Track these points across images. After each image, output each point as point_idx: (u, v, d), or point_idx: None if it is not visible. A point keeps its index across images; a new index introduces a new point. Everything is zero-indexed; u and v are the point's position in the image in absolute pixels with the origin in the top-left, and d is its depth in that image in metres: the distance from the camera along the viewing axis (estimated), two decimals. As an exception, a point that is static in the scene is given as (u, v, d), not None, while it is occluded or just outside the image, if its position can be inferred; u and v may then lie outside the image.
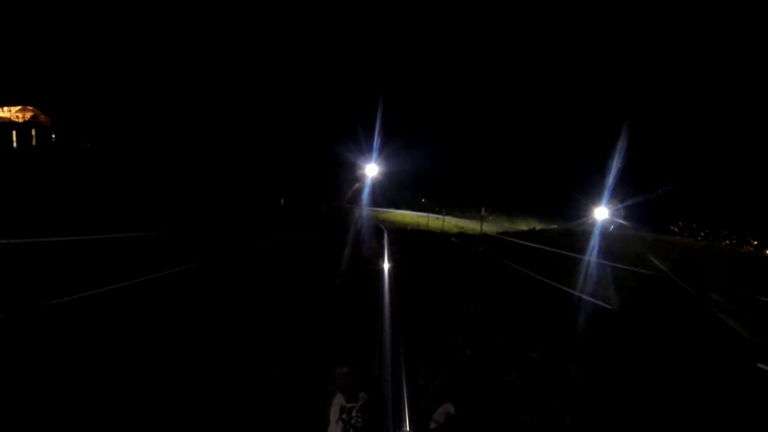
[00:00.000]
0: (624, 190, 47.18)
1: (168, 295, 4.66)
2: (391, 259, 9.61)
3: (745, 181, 57.16)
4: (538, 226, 57.69)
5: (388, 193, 49.25)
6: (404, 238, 19.08)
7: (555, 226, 55.75)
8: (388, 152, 50.90)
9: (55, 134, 33.69)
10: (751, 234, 61.15)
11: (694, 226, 66.44)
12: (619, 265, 10.54)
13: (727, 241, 62.66)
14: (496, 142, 65.26)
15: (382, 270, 7.54)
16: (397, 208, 48.01)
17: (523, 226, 57.25)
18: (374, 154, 48.57)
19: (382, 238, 15.42)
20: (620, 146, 41.27)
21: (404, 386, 2.40)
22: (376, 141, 47.15)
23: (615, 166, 42.93)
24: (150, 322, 3.65)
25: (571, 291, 7.23)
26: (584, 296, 6.81)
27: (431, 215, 48.14)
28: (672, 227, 66.77)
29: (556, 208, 53.11)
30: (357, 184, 49.35)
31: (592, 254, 14.07)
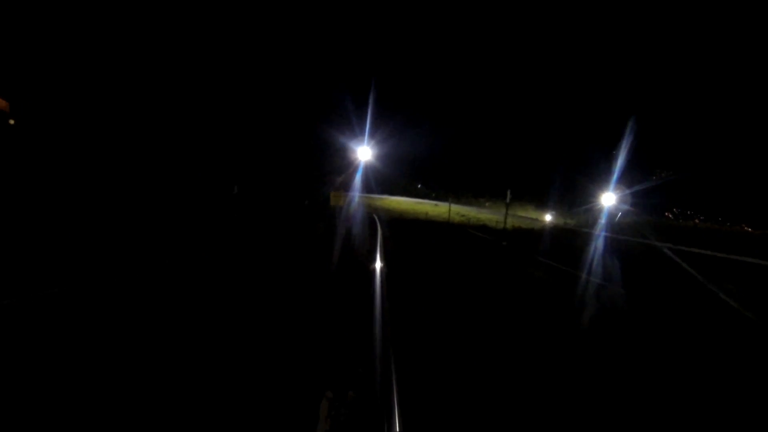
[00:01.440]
0: (629, 176, 45.39)
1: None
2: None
3: (743, 173, 56.36)
4: (534, 213, 55.90)
5: (381, 178, 46.11)
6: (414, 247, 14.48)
7: (552, 213, 53.90)
8: (381, 134, 47.63)
9: (14, 120, 29.07)
10: (745, 221, 61.02)
11: (689, 212, 66.03)
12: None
13: (725, 226, 62.68)
14: (494, 125, 62.67)
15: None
16: (392, 194, 45.05)
17: (521, 212, 55.28)
18: (366, 137, 45.29)
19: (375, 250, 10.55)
20: (628, 130, 39.18)
21: (394, 385, 2.41)
22: (369, 122, 43.85)
23: (623, 150, 40.78)
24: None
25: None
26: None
27: (428, 201, 45.45)
28: (667, 213, 66.24)
29: (557, 194, 51.02)
30: (349, 169, 46.08)
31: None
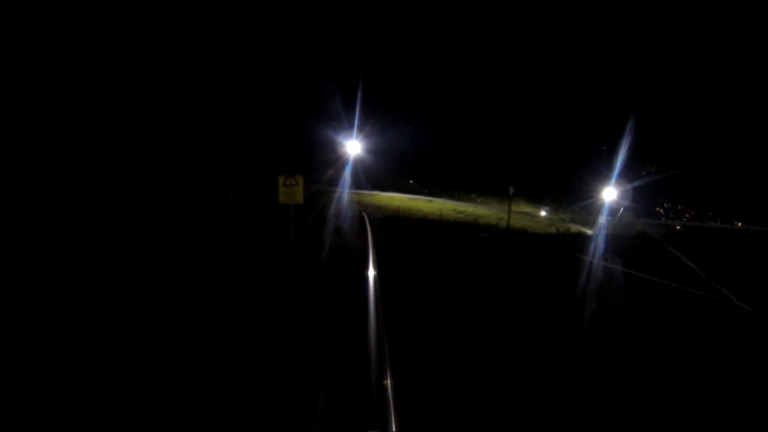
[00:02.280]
0: (627, 171, 44.30)
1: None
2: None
3: (734, 169, 56.46)
4: (527, 209, 54.60)
5: (371, 173, 43.77)
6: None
7: (547, 209, 52.66)
8: (371, 128, 45.22)
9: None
10: (736, 216, 61.65)
11: (679, 207, 66.10)
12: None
13: (713, 222, 63.40)
14: (486, 119, 60.97)
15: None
16: (383, 190, 42.77)
17: (514, 208, 53.84)
18: (355, 130, 42.88)
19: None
20: (630, 123, 37.85)
21: (389, 385, 2.21)
22: (358, 114, 41.53)
23: (624, 143, 39.50)
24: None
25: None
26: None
27: (422, 197, 43.32)
28: (657, 209, 66.16)
29: (552, 189, 49.74)
30: (337, 164, 43.42)
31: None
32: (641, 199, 55.70)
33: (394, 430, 2.19)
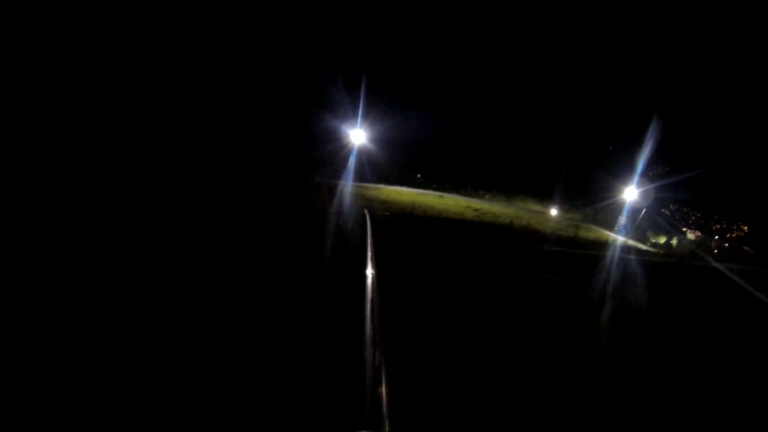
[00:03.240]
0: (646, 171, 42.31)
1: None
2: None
3: (743, 172, 55.05)
4: (535, 207, 52.73)
5: (377, 165, 41.16)
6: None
7: (556, 207, 50.74)
8: (376, 116, 42.38)
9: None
10: (741, 220, 60.77)
11: (685, 210, 64.88)
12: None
13: (717, 226, 62.52)
14: (496, 112, 58.51)
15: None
16: (389, 183, 40.26)
17: (521, 205, 51.86)
18: (360, 118, 40.20)
19: None
20: (654, 120, 35.88)
21: (383, 385, 2.20)
22: (362, 100, 38.79)
23: (648, 140, 37.54)
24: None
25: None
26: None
27: (431, 192, 40.98)
28: (664, 210, 64.86)
29: (563, 187, 47.71)
30: (340, 155, 40.61)
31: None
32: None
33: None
